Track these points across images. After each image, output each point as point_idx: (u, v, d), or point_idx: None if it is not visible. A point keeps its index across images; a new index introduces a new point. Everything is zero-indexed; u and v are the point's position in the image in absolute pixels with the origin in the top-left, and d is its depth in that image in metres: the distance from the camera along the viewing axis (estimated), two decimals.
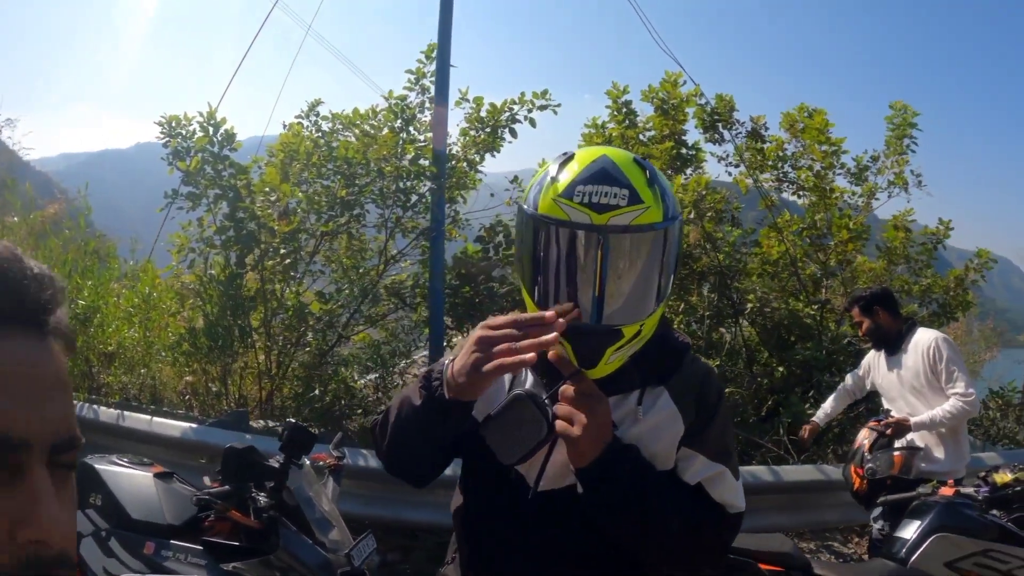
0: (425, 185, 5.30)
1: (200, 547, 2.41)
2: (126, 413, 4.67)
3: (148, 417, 4.65)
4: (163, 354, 5.49)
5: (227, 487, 2.41)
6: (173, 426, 4.49)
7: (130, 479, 2.65)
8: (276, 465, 2.46)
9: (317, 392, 4.79)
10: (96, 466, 2.66)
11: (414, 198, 5.35)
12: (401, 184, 5.22)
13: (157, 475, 2.68)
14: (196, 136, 5.23)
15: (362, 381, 4.92)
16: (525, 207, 1.30)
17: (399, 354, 5.17)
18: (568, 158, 1.31)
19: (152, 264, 6.16)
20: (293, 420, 2.55)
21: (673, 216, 1.30)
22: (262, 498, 2.41)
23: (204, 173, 5.16)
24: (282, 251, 4.97)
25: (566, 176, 1.26)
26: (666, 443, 1.32)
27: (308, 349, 5.16)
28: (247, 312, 4.93)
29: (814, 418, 4.33)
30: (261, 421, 4.79)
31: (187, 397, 5.57)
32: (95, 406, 4.86)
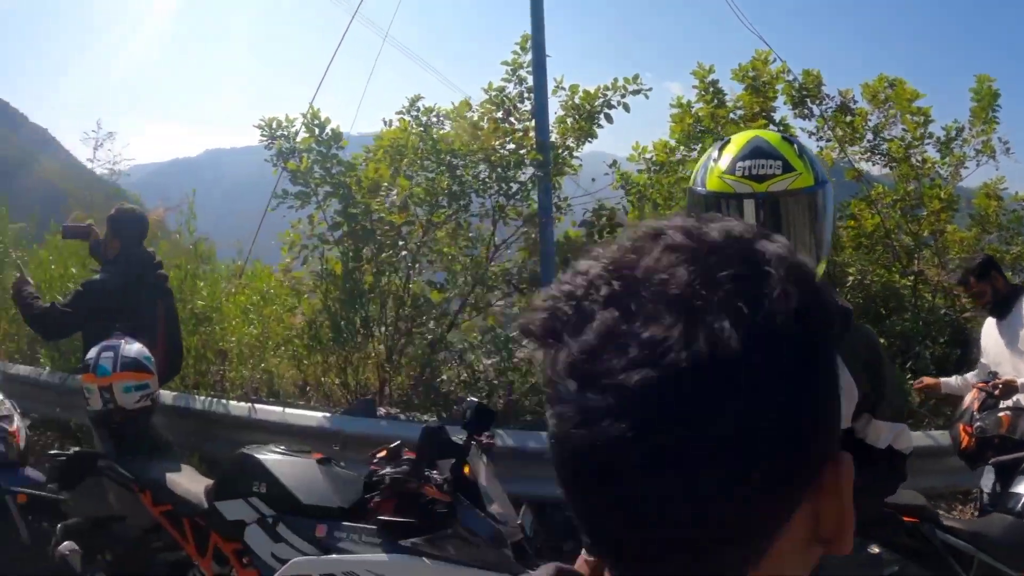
0: (525, 173, 5.38)
1: (373, 526, 2.50)
2: (257, 406, 4.82)
3: (279, 409, 4.82)
4: (281, 348, 5.68)
5: (404, 466, 2.47)
6: (304, 416, 4.63)
7: (294, 466, 2.77)
8: (460, 443, 2.54)
9: (445, 377, 4.95)
10: (258, 456, 2.79)
11: (515, 186, 5.43)
12: (503, 173, 5.31)
13: (319, 461, 2.82)
14: (301, 136, 5.40)
15: (482, 365, 5.03)
16: (695, 188, 1.52)
17: (513, 340, 5.26)
18: (726, 142, 1.53)
19: (259, 262, 6.39)
20: (475, 399, 2.63)
21: (823, 181, 1.49)
22: (435, 475, 2.48)
23: (312, 172, 5.31)
24: (400, 243, 5.11)
25: (726, 156, 1.47)
26: (844, 410, 1.49)
27: (425, 338, 5.30)
28: (367, 304, 5.08)
29: (942, 378, 4.34)
30: (382, 409, 4.93)
31: (308, 389, 5.75)
32: (224, 400, 4.99)
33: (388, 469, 2.66)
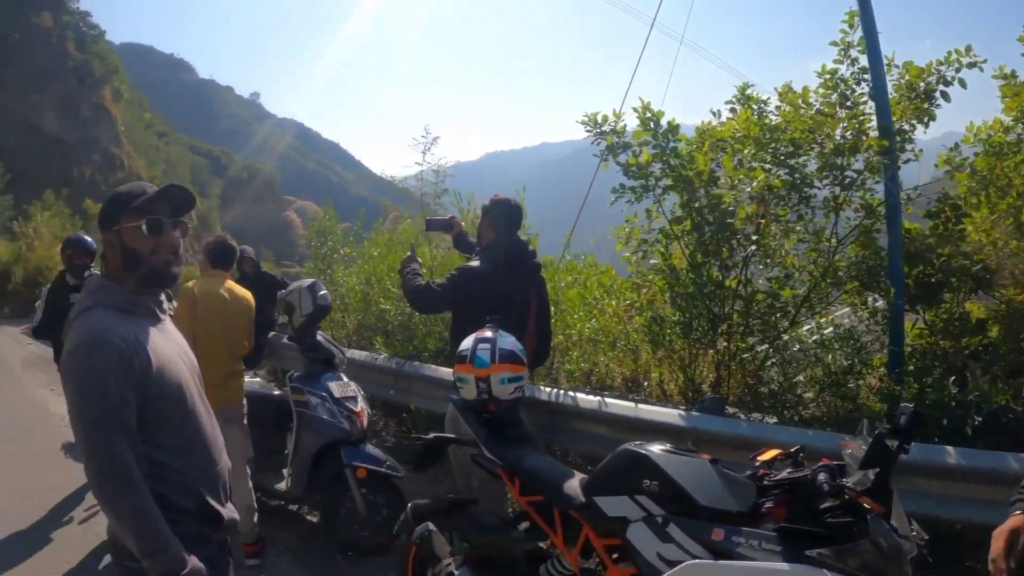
0: (857, 160, 4.84)
1: (773, 533, 2.34)
2: (608, 400, 4.78)
3: (630, 404, 4.75)
4: (619, 342, 5.74)
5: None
6: (657, 412, 4.53)
7: (689, 466, 2.66)
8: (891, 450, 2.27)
9: (788, 378, 4.68)
10: (649, 453, 2.70)
11: (850, 175, 4.91)
12: (838, 160, 4.83)
13: (711, 461, 2.68)
14: (634, 130, 5.35)
15: (835, 366, 4.61)
16: None
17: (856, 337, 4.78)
18: None
19: (592, 257, 6.49)
20: (910, 404, 2.34)
21: None
22: (848, 482, 2.28)
23: (649, 166, 5.25)
24: (753, 237, 4.88)
25: None
26: None
27: (768, 335, 5.01)
28: (721, 300, 4.93)
29: None
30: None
31: (636, 384, 5.74)
32: (572, 393, 5.01)
33: (785, 473, 2.57)
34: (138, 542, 1.76)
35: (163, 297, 2.17)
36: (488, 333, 3.42)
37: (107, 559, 4.00)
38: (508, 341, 3.39)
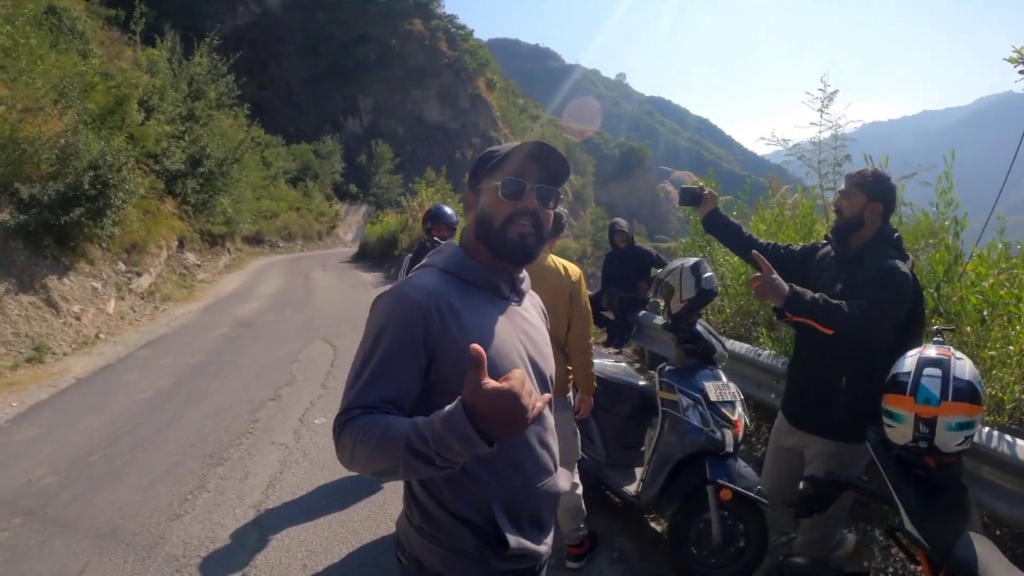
0: None
1: None
2: None
3: None
4: None
5: None
6: None
7: None
8: None
9: None
10: None
11: None
12: None
13: None
14: None
15: None
16: None
17: None
18: None
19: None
20: None
21: None
22: None
23: None
24: None
25: None
26: None
27: None
28: None
29: None
30: None
31: None
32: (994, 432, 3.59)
33: None
34: (408, 460, 1.43)
35: (522, 275, 1.94)
36: (935, 353, 2.57)
37: None
38: (966, 369, 2.51)
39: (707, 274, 4.29)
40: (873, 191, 3.24)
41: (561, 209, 8.06)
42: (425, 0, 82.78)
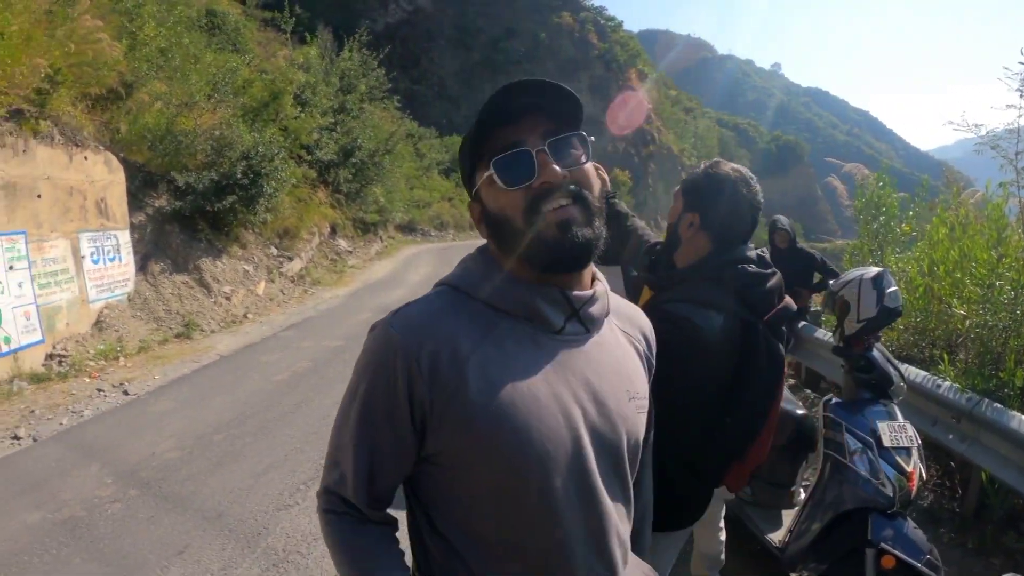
0: None
1: None
2: None
3: None
4: None
5: None
6: None
7: None
8: None
9: None
10: None
11: None
12: None
13: None
14: None
15: None
16: None
17: None
18: None
19: None
20: None
21: None
22: None
23: None
24: None
25: None
26: None
27: None
28: None
29: None
30: None
31: None
32: None
33: None
34: None
35: (591, 291, 1.27)
36: None
37: None
38: None
39: (891, 289, 3.61)
40: (688, 197, 2.33)
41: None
42: None
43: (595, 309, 1.28)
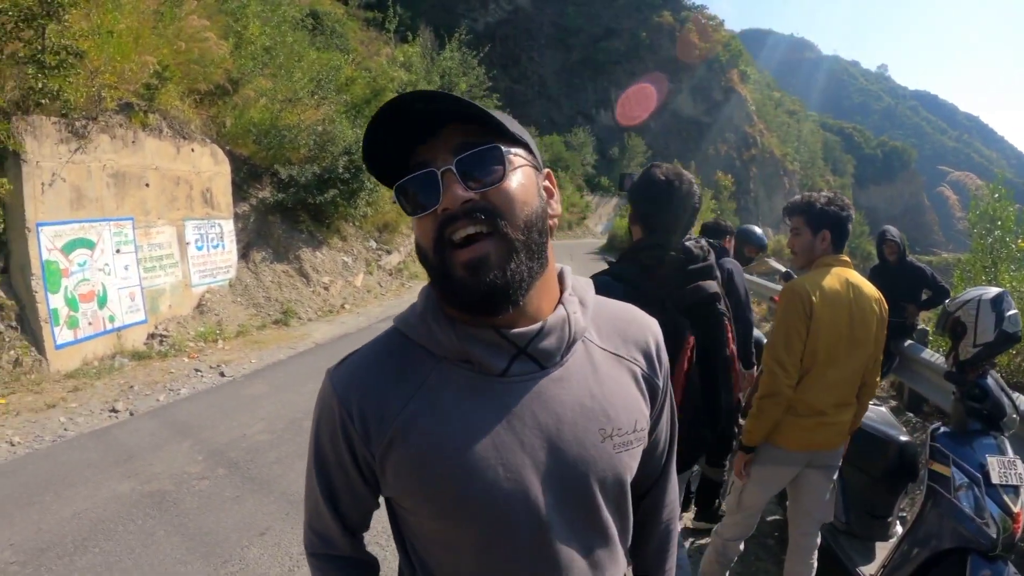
0: None
1: None
2: None
3: None
4: None
5: None
6: None
7: None
8: None
9: None
10: None
11: None
12: None
13: None
14: None
15: None
16: None
17: None
18: None
19: None
20: None
21: None
22: None
23: None
24: None
25: None
26: None
27: None
28: None
29: None
30: None
31: None
32: None
33: None
34: None
35: (546, 324, 1.09)
36: None
37: None
38: None
39: (1011, 312, 3.38)
40: (628, 195, 2.84)
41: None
42: None
43: (549, 342, 1.09)
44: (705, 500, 4.50)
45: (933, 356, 6.07)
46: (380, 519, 1.26)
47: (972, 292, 3.55)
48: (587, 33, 73.30)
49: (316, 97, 14.43)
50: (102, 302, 8.07)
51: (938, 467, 3.42)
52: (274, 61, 13.82)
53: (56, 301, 7.39)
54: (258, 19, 13.87)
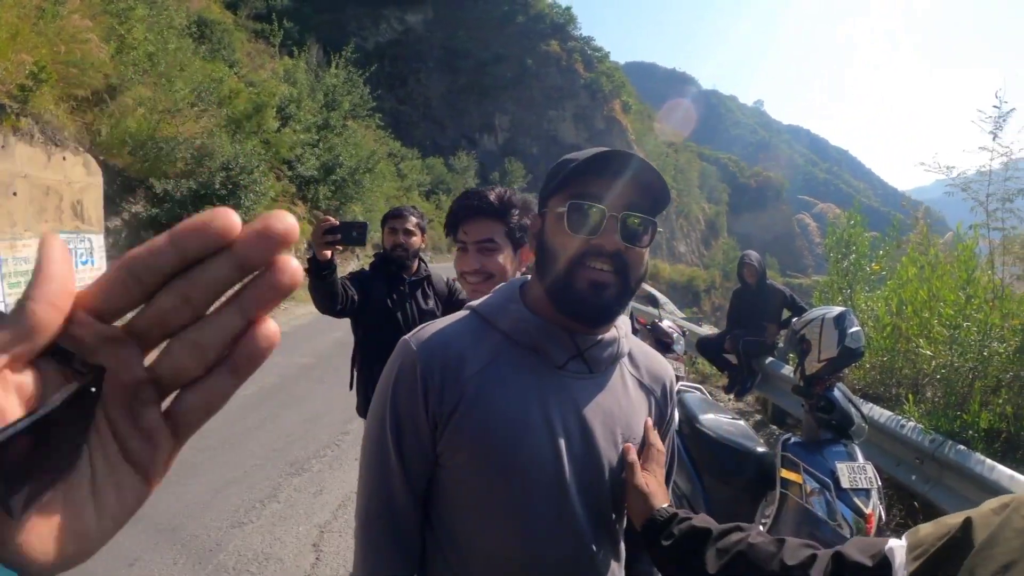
0: None
1: None
2: None
3: None
4: None
5: None
6: None
7: None
8: None
9: None
10: None
11: None
12: None
13: None
14: None
15: None
16: None
17: None
18: None
19: None
20: None
21: None
22: None
23: None
24: None
25: None
26: None
27: None
28: None
29: None
30: None
31: None
32: None
33: None
34: None
35: (605, 338, 1.35)
36: None
37: None
38: None
39: (853, 329, 3.64)
40: None
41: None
42: (562, 22, 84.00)
43: (602, 353, 1.34)
44: None
45: (791, 372, 6.45)
46: None
47: (816, 311, 3.83)
48: (475, 58, 74.42)
49: (196, 109, 14.00)
50: None
51: (789, 474, 3.65)
52: (155, 69, 13.33)
53: None
54: (143, 23, 13.39)
